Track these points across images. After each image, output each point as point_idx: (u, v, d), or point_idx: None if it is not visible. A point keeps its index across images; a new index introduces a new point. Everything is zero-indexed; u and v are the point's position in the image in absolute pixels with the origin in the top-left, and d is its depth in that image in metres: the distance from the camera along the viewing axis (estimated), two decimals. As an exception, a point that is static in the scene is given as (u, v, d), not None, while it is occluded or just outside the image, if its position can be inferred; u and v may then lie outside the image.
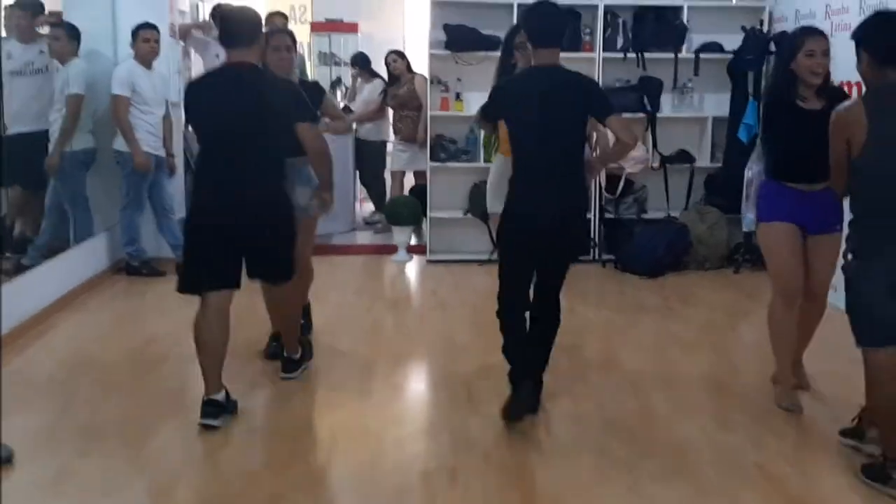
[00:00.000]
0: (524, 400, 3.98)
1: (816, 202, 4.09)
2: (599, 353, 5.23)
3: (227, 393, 4.09)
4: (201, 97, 4.03)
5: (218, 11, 6.84)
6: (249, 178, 3.93)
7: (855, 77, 3.79)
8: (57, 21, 6.58)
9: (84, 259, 6.55)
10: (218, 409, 3.96)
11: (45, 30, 6.56)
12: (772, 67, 6.84)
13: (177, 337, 4.90)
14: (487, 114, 4.44)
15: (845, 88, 5.04)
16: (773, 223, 4.19)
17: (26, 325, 5.37)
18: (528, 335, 4.09)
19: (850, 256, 3.51)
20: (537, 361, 4.13)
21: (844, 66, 4.02)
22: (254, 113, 3.88)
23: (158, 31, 6.63)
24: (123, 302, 6.31)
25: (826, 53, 4.04)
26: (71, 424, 4.05)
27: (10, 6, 6.41)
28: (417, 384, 4.97)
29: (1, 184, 6.05)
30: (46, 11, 6.65)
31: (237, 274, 4.02)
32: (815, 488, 3.51)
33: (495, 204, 4.58)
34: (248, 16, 4.08)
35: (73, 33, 6.42)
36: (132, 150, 6.52)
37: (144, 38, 6.54)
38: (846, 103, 3.61)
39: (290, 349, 4.63)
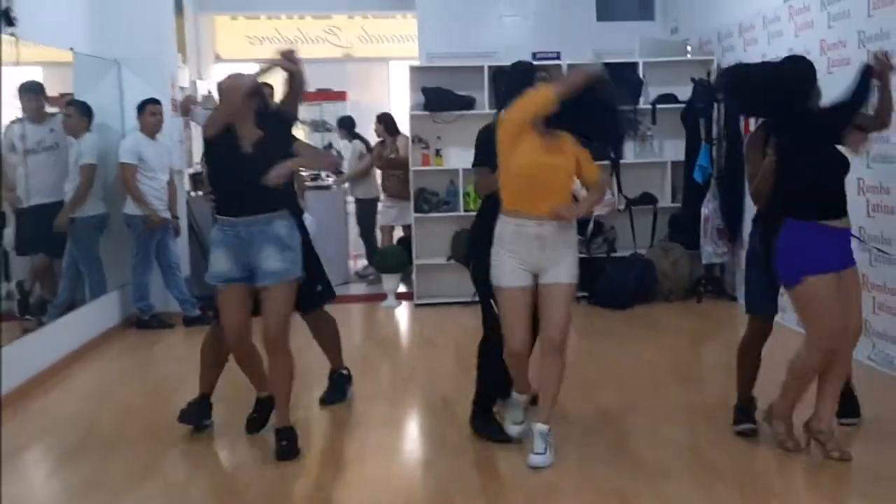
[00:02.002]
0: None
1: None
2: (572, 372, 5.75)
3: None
4: None
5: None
6: None
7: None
8: (69, 101, 7.18)
9: (98, 314, 7.09)
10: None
11: (54, 110, 7.12)
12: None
13: (185, 377, 5.36)
14: (484, 159, 4.42)
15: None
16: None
17: (47, 373, 5.91)
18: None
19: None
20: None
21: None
22: None
23: (161, 105, 7.29)
24: (136, 351, 6.85)
25: None
26: (95, 442, 4.62)
27: (20, 91, 6.61)
28: (407, 409, 5.38)
29: (21, 252, 6.58)
30: (58, 93, 7.25)
31: None
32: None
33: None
34: None
35: (84, 110, 6.97)
36: (143, 210, 7.12)
37: (151, 112, 7.18)
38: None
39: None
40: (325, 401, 5.23)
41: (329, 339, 5.31)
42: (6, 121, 6.25)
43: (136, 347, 6.96)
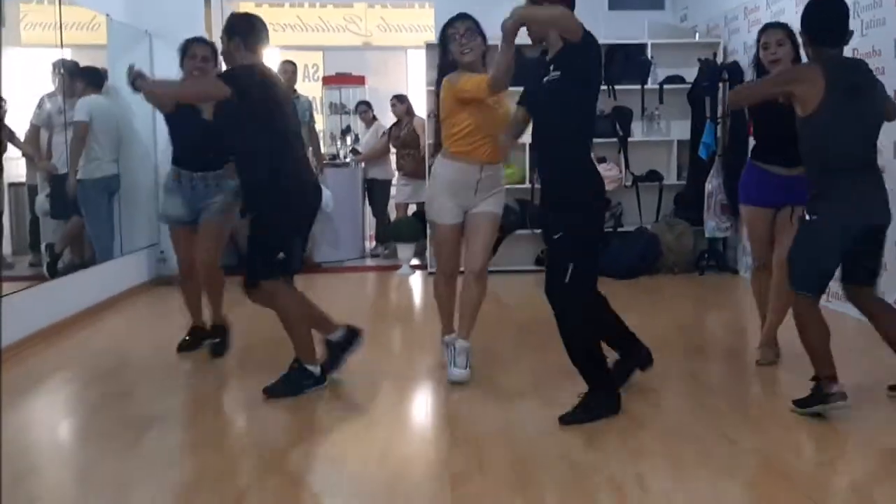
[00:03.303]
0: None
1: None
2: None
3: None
4: (272, 90, 4.42)
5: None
6: (308, 168, 4.73)
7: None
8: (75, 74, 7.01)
9: (126, 271, 7.45)
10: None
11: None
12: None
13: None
14: None
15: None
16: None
17: (77, 317, 6.33)
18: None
19: (808, 216, 3.91)
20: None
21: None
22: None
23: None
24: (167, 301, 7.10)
25: (781, 43, 4.55)
26: (126, 366, 4.95)
27: (56, 65, 6.75)
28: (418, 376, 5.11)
29: (57, 215, 6.75)
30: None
31: None
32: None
33: None
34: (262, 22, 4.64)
35: (89, 78, 6.95)
36: None
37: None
38: (803, 63, 4.16)
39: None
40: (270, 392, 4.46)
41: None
42: (39, 95, 6.52)
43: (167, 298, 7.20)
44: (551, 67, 3.85)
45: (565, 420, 3.92)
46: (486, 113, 4.52)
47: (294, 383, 4.42)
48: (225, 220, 5.26)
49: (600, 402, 3.98)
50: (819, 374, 3.98)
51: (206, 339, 5.44)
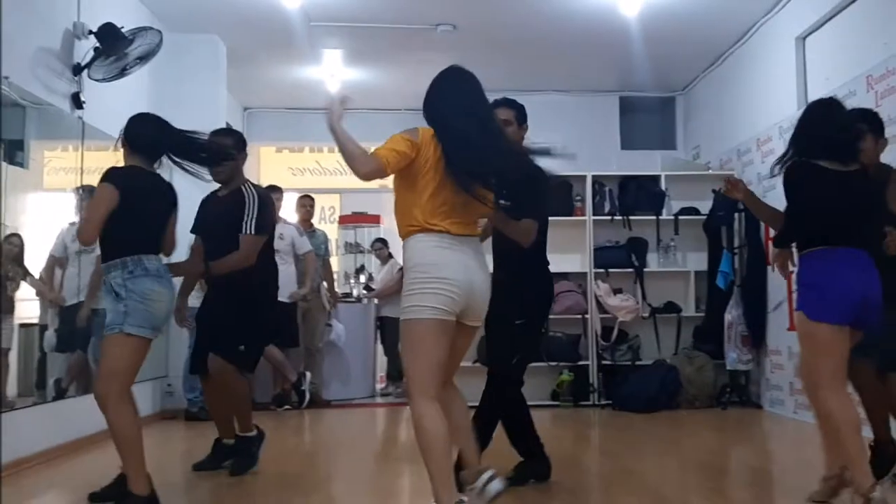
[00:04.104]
0: None
1: None
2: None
3: None
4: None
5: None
6: None
7: None
8: None
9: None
10: None
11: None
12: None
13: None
14: None
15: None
16: None
17: (77, 442, 6.10)
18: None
19: None
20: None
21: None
22: None
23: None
24: (184, 435, 7.01)
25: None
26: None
27: (77, 192, 6.72)
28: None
29: (61, 349, 6.69)
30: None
31: None
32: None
33: None
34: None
35: None
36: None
37: None
38: None
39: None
40: (236, 469, 5.05)
41: (239, 402, 5.15)
42: (59, 227, 6.49)
43: (184, 433, 7.09)
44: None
45: (512, 482, 4.15)
46: None
47: (249, 454, 5.02)
48: None
49: (534, 468, 4.57)
50: None
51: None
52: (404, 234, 3.48)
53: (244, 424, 5.12)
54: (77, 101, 6.19)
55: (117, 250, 4.09)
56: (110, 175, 4.15)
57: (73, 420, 6.13)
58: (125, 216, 4.06)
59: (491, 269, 3.91)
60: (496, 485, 3.48)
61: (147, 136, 4.33)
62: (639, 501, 4.37)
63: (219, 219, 5.08)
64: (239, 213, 4.99)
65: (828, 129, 3.90)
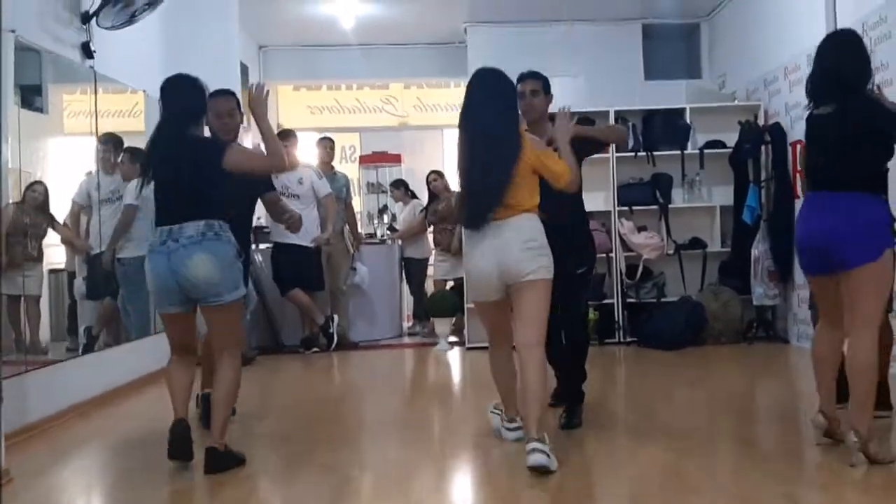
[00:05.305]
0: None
1: None
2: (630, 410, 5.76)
3: None
4: None
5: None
6: None
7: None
8: (124, 148, 7.04)
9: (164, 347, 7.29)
10: None
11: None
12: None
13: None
14: None
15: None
16: None
17: (110, 394, 6.19)
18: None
19: None
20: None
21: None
22: None
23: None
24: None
25: None
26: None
27: (98, 140, 6.90)
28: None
29: (91, 296, 6.76)
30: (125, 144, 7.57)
31: None
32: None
33: None
34: None
35: (135, 156, 6.81)
36: None
37: None
38: None
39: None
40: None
41: None
42: (82, 173, 6.53)
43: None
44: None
45: (571, 426, 4.68)
46: None
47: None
48: None
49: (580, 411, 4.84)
50: None
51: None
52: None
53: None
54: (87, 51, 6.10)
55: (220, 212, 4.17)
56: None
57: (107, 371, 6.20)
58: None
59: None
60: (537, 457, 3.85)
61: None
62: (668, 445, 4.37)
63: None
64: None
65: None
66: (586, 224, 5.04)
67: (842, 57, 3.96)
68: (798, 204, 6.79)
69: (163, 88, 4.32)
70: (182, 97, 4.29)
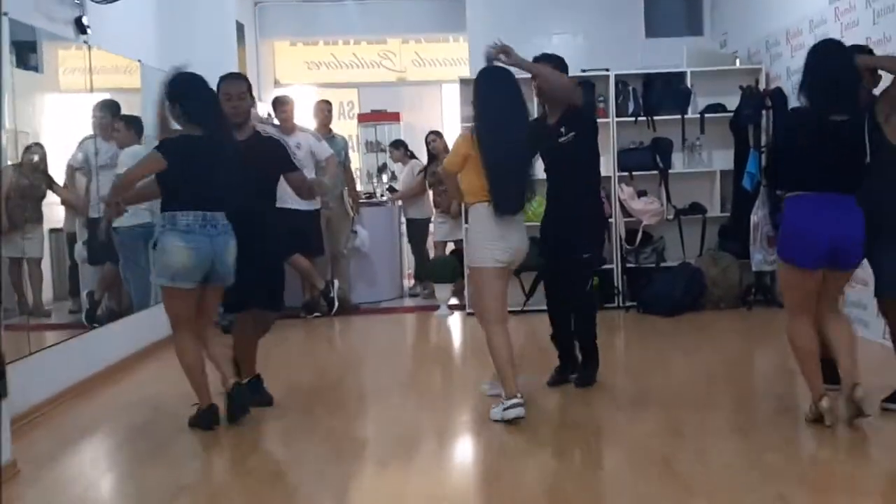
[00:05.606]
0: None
1: None
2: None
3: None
4: None
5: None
6: None
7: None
8: (120, 115, 7.03)
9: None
10: None
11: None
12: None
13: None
14: None
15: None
16: None
17: (115, 367, 6.25)
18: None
19: None
20: None
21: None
22: None
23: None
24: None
25: None
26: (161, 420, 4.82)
27: (95, 107, 6.88)
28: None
29: (93, 262, 6.76)
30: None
31: None
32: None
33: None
34: None
35: (132, 123, 6.92)
36: None
37: None
38: None
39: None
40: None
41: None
42: (78, 140, 6.49)
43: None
44: (562, 129, 5.05)
45: (585, 383, 5.20)
46: None
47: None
48: None
49: (595, 369, 5.30)
50: None
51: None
52: None
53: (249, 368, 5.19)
54: (81, 26, 6.02)
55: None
56: None
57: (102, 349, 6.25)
58: None
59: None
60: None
61: None
62: (667, 416, 4.56)
63: (253, 162, 4.90)
64: (278, 153, 5.22)
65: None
66: (599, 208, 5.54)
67: (845, 70, 4.17)
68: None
69: (182, 93, 4.68)
70: (212, 102, 4.77)
